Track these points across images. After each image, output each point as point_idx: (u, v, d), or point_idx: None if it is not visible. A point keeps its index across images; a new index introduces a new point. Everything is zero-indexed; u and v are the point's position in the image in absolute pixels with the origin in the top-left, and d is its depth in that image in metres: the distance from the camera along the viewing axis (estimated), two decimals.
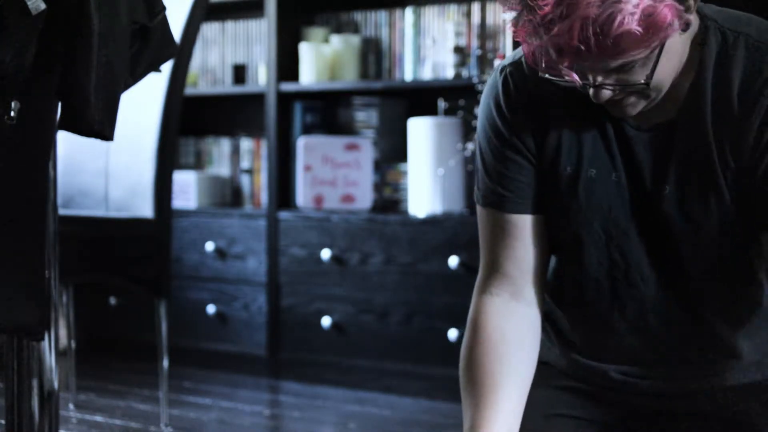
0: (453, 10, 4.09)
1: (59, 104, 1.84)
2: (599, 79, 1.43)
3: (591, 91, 1.45)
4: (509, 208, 1.58)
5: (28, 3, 1.72)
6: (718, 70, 1.50)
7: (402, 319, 3.83)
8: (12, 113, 1.79)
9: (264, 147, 4.38)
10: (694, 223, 1.51)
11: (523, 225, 1.59)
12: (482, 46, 4.00)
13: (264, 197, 4.34)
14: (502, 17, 3.91)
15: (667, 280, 1.55)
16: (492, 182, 1.59)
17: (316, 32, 4.31)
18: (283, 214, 4.13)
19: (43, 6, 1.74)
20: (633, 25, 1.36)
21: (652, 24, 1.37)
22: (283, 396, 3.94)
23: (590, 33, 1.36)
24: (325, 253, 3.98)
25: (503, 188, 1.58)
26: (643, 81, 1.44)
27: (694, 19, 1.47)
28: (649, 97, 1.48)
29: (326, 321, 3.98)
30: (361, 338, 3.93)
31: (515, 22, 1.44)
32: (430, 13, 4.15)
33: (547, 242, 1.61)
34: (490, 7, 4.02)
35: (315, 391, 3.87)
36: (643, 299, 1.56)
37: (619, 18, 1.35)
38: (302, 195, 4.13)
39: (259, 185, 4.44)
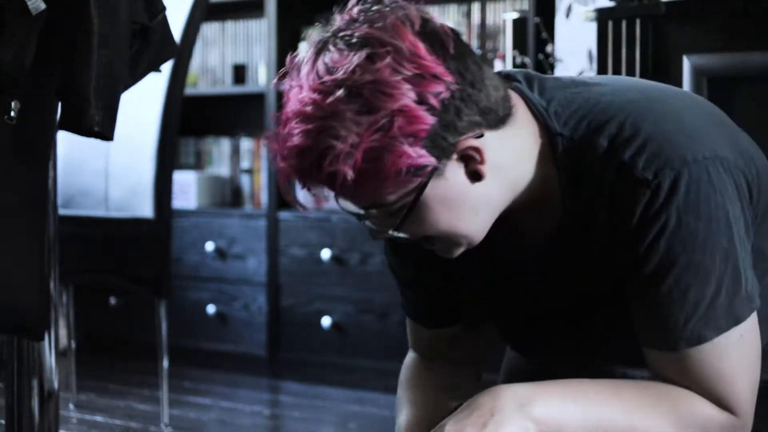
0: (453, 10, 4.09)
1: (59, 104, 1.84)
2: (356, 211, 1.33)
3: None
4: (420, 320, 1.61)
5: (28, 3, 1.72)
6: (573, 188, 1.37)
7: (402, 319, 3.82)
8: (12, 113, 1.78)
9: (264, 147, 4.38)
10: (588, 317, 1.46)
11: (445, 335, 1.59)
12: (482, 46, 4.00)
13: (264, 197, 4.34)
14: (502, 17, 3.91)
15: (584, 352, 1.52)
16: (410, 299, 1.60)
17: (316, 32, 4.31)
18: (283, 214, 4.13)
19: (43, 6, 1.74)
20: (345, 167, 1.24)
21: (375, 171, 1.25)
22: (283, 396, 3.94)
23: (305, 163, 1.27)
24: (325, 253, 3.98)
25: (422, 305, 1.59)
26: (389, 231, 1.32)
27: (535, 135, 1.36)
28: (458, 245, 1.37)
29: (326, 321, 3.98)
30: (361, 338, 3.92)
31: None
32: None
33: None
34: (490, 7, 4.02)
35: (315, 391, 3.87)
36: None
37: (331, 155, 1.24)
38: (302, 195, 4.12)
39: (259, 185, 4.44)
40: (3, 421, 2.09)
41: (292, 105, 1.27)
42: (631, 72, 2.76)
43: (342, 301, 3.97)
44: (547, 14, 3.62)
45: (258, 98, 4.36)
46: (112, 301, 4.45)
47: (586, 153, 1.35)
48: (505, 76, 1.42)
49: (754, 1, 2.67)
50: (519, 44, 3.65)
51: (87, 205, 3.22)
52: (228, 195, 4.53)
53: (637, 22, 2.75)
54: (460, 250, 1.38)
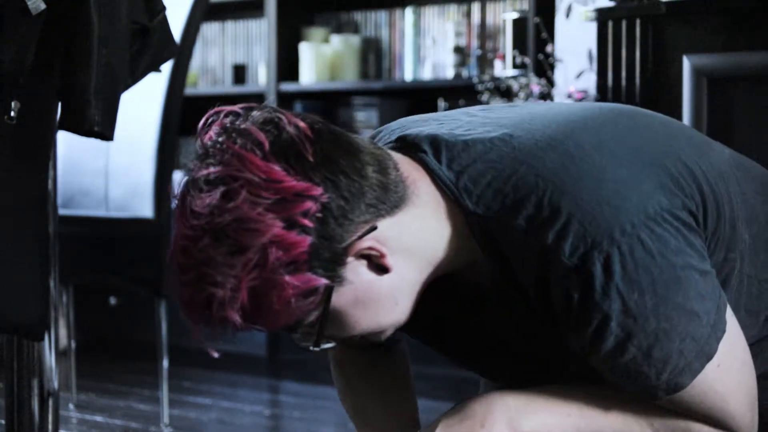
0: (453, 10, 4.09)
1: (59, 104, 1.84)
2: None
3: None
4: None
5: (28, 3, 1.72)
6: (499, 266, 1.30)
7: None
8: (12, 113, 1.78)
9: None
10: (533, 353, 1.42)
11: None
12: (482, 46, 4.00)
13: None
14: (502, 17, 3.91)
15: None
16: None
17: (316, 32, 4.31)
18: None
19: (43, 6, 1.74)
20: (232, 312, 1.19)
21: (265, 308, 1.21)
22: (283, 396, 3.94)
23: (196, 313, 1.21)
24: None
25: None
26: (311, 347, 1.29)
27: (441, 210, 1.28)
28: (384, 333, 1.32)
29: None
30: None
31: None
32: (430, 13, 4.14)
33: None
34: (490, 7, 4.02)
35: (315, 391, 3.87)
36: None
37: (216, 303, 1.19)
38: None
39: None
40: (3, 421, 2.09)
41: (172, 252, 1.22)
42: (631, 72, 2.76)
43: None
44: (547, 14, 3.62)
45: (258, 98, 4.36)
46: (112, 301, 4.45)
47: (506, 235, 1.28)
48: (409, 143, 1.33)
49: (754, 1, 2.67)
50: (519, 44, 3.65)
51: (87, 205, 3.22)
52: None
53: (637, 22, 2.75)
54: (389, 334, 1.34)
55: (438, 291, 1.36)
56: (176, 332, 4.00)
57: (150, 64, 2.02)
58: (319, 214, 1.19)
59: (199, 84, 4.63)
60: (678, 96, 2.72)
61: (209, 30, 4.62)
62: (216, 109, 1.25)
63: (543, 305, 1.29)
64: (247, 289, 1.18)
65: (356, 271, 1.24)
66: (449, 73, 4.04)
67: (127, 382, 3.96)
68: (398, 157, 1.30)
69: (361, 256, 1.24)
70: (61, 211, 2.20)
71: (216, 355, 1.33)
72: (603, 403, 1.35)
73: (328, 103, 4.33)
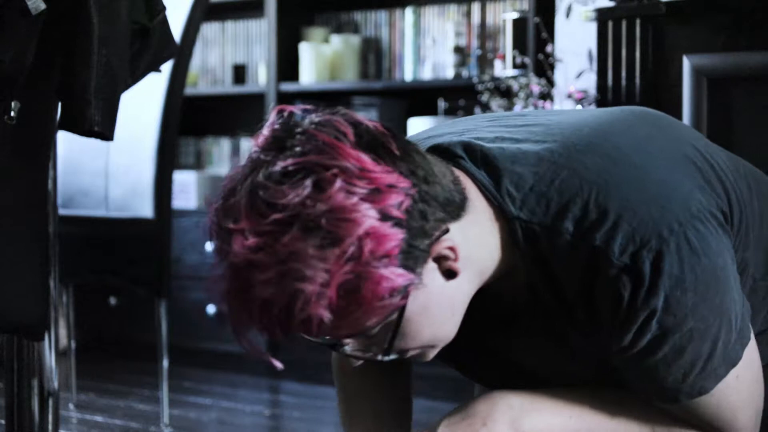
0: (453, 10, 4.09)
1: (59, 104, 1.84)
2: (329, 342, 1.21)
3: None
4: None
5: (28, 3, 1.72)
6: (541, 272, 1.28)
7: None
8: (12, 113, 1.78)
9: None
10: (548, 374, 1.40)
11: None
12: (482, 46, 4.00)
13: None
14: (502, 17, 3.91)
15: None
16: None
17: (316, 32, 4.31)
18: None
19: (43, 6, 1.74)
20: (320, 309, 1.11)
21: (354, 304, 1.12)
22: (283, 396, 3.93)
23: (272, 316, 1.12)
24: None
25: None
26: (379, 357, 1.22)
27: (491, 218, 1.26)
28: (435, 349, 1.27)
29: None
30: None
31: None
32: (430, 13, 4.14)
33: None
34: (490, 7, 4.02)
35: (315, 391, 3.87)
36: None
37: (301, 300, 1.10)
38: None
39: None
40: (3, 421, 2.10)
41: (238, 254, 1.12)
42: (631, 72, 2.76)
43: None
44: (547, 14, 3.62)
45: (258, 98, 4.36)
46: (112, 301, 4.45)
47: (552, 239, 1.26)
48: (444, 151, 1.30)
49: (754, 1, 2.67)
50: (519, 44, 3.65)
51: (87, 205, 3.22)
52: None
53: (637, 22, 2.75)
54: (437, 350, 1.29)
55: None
56: (176, 332, 4.01)
57: (150, 64, 2.02)
58: (409, 208, 1.15)
59: (199, 84, 4.63)
60: (678, 96, 2.71)
61: (209, 30, 4.63)
62: (277, 107, 1.21)
63: (584, 311, 1.28)
64: (338, 285, 1.11)
65: (431, 274, 1.20)
66: (449, 73, 4.04)
67: (127, 382, 3.96)
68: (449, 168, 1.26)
69: (437, 258, 1.20)
70: (61, 211, 2.20)
71: (280, 366, 1.26)
72: (606, 407, 1.35)
73: (328, 103, 4.30)
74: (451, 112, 3.94)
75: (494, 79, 3.48)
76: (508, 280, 1.31)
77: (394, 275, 1.13)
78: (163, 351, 3.13)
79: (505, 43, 3.77)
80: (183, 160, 4.64)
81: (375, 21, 4.30)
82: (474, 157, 1.30)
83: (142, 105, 3.03)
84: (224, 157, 4.56)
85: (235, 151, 4.52)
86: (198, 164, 4.64)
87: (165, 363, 3.14)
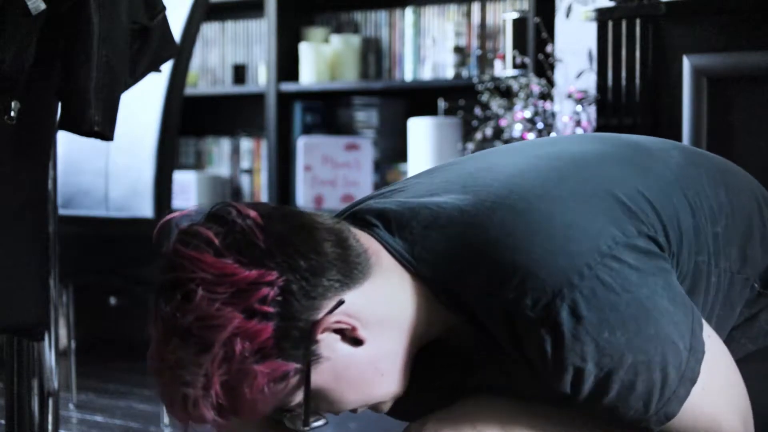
0: (453, 10, 4.09)
1: (59, 104, 1.84)
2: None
3: None
4: None
5: (28, 3, 1.72)
6: (475, 327, 1.32)
7: None
8: (12, 113, 1.78)
9: (264, 147, 4.38)
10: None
11: None
12: (482, 46, 4.00)
13: (264, 197, 4.34)
14: (502, 17, 3.91)
15: None
16: None
17: (316, 32, 4.31)
18: None
19: (43, 6, 1.74)
20: (206, 409, 1.21)
21: (239, 400, 1.22)
22: None
23: (177, 413, 1.24)
24: None
25: None
26: (301, 427, 1.29)
27: (405, 277, 1.30)
28: (384, 403, 1.35)
29: None
30: None
31: None
32: (430, 13, 4.14)
33: None
34: (490, 7, 4.02)
35: None
36: None
37: (190, 402, 1.21)
38: (302, 195, 4.13)
39: (259, 185, 4.44)
40: (3, 421, 2.09)
41: (149, 357, 1.26)
42: (631, 72, 2.76)
43: None
44: (547, 14, 3.62)
45: (258, 98, 4.36)
46: (112, 301, 4.45)
47: (469, 297, 1.30)
48: (360, 220, 1.36)
49: (754, 1, 2.67)
50: (519, 44, 3.65)
51: (87, 205, 3.22)
52: (228, 195, 4.53)
53: (637, 22, 2.75)
54: (389, 405, 1.36)
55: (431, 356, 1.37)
56: None
57: (150, 64, 2.02)
58: (279, 298, 1.21)
59: (199, 84, 4.63)
60: (678, 96, 2.72)
61: (209, 30, 4.62)
62: (166, 218, 1.33)
63: (521, 360, 1.30)
64: (219, 384, 1.20)
65: (331, 347, 1.26)
66: (449, 73, 4.04)
67: (127, 382, 3.96)
68: (356, 231, 1.32)
69: (333, 330, 1.25)
70: (61, 211, 2.20)
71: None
72: (587, 421, 1.35)
73: (328, 103, 4.33)
74: (451, 112, 3.94)
75: (494, 79, 3.48)
76: (456, 334, 1.35)
77: (271, 367, 1.21)
78: None
79: (505, 43, 3.77)
80: (183, 160, 4.64)
81: (375, 21, 4.30)
82: (388, 225, 1.34)
83: (142, 105, 3.03)
84: (224, 157, 4.56)
85: (235, 151, 4.52)
86: (198, 164, 4.64)
87: None
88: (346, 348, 1.27)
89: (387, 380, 1.31)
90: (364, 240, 1.31)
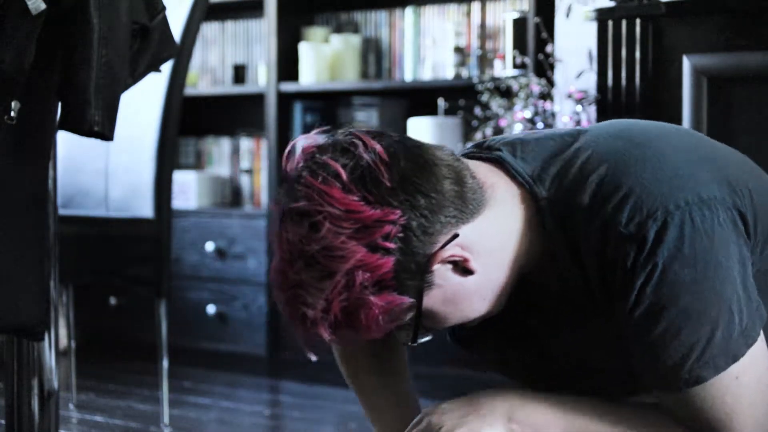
0: (453, 10, 4.09)
1: (59, 104, 1.84)
2: None
3: None
4: None
5: (28, 3, 1.72)
6: (567, 251, 1.40)
7: None
8: (12, 113, 1.78)
9: (264, 147, 4.38)
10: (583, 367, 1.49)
11: None
12: (482, 46, 4.00)
13: (264, 197, 4.34)
14: (502, 17, 3.91)
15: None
16: None
17: (316, 32, 4.31)
18: None
19: (43, 6, 1.74)
20: (323, 329, 1.31)
21: (355, 325, 1.32)
22: (283, 396, 3.94)
23: (297, 326, 1.34)
24: None
25: None
26: (408, 342, 1.39)
27: (517, 206, 1.39)
28: (477, 320, 1.42)
29: None
30: None
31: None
32: (430, 13, 4.14)
33: None
34: (490, 7, 4.02)
35: (315, 391, 3.87)
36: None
37: (307, 321, 1.32)
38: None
39: (259, 185, 4.44)
40: (3, 421, 2.10)
41: (273, 272, 1.35)
42: (631, 72, 2.76)
43: None
44: (547, 14, 3.62)
45: (258, 98, 4.36)
46: (112, 301, 4.45)
47: (573, 214, 1.38)
48: (487, 147, 1.45)
49: (754, 1, 2.67)
50: (519, 44, 3.65)
51: (87, 205, 3.22)
52: (228, 195, 4.53)
53: (637, 22, 2.75)
54: (477, 321, 1.44)
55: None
56: (176, 332, 4.01)
57: (150, 64, 2.02)
58: (400, 235, 1.30)
59: (199, 84, 4.63)
60: (678, 96, 2.72)
61: (209, 30, 4.62)
62: (299, 138, 1.37)
63: (600, 287, 1.37)
64: (338, 309, 1.30)
65: (444, 276, 1.34)
66: (449, 73, 4.04)
67: (127, 382, 3.96)
68: (475, 164, 1.40)
69: (447, 262, 1.34)
70: (61, 211, 2.20)
71: (314, 358, 1.39)
72: (603, 411, 1.39)
73: (328, 103, 4.33)
74: (451, 112, 3.94)
75: (494, 79, 3.49)
76: (541, 268, 1.42)
77: (387, 300, 1.30)
78: (163, 351, 3.13)
79: (505, 43, 3.77)
80: (183, 160, 4.64)
81: (375, 21, 4.30)
82: (513, 149, 1.43)
83: (142, 105, 3.03)
84: (224, 157, 4.56)
85: (235, 151, 4.52)
86: (198, 164, 4.64)
87: (165, 363, 3.13)
88: (456, 277, 1.35)
89: (486, 304, 1.40)
90: (482, 174, 1.39)
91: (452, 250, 1.33)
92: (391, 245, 1.29)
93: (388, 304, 1.30)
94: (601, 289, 1.38)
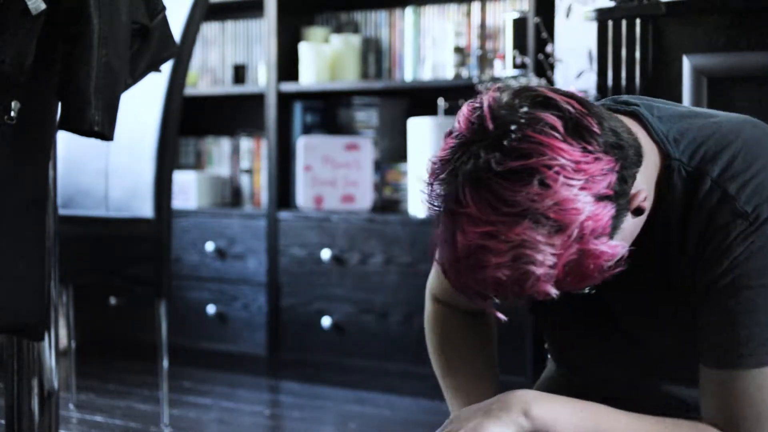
0: (453, 10, 4.09)
1: (59, 104, 1.84)
2: None
3: None
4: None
5: (28, 3, 1.73)
6: (680, 211, 1.43)
7: (402, 319, 3.83)
8: (12, 113, 1.79)
9: (264, 147, 4.38)
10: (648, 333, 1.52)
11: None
12: (482, 46, 4.00)
13: (264, 197, 4.34)
14: (502, 17, 3.91)
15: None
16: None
17: (316, 32, 4.31)
18: (283, 214, 4.13)
19: (43, 6, 1.74)
20: (547, 286, 1.29)
21: (579, 275, 1.31)
22: (283, 396, 3.94)
23: (504, 290, 1.30)
24: (325, 253, 3.98)
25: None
26: (586, 291, 1.39)
27: (654, 155, 1.42)
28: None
29: (326, 321, 3.98)
30: (361, 338, 3.93)
31: (435, 247, 1.35)
32: (430, 13, 4.14)
33: None
34: (490, 7, 4.02)
35: (315, 391, 3.87)
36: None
37: (531, 279, 1.29)
38: (302, 195, 4.13)
39: (259, 185, 4.44)
40: (3, 421, 2.10)
41: (469, 237, 1.28)
42: (631, 72, 2.76)
43: (342, 301, 3.97)
44: (547, 14, 3.62)
45: (258, 98, 4.36)
46: (112, 301, 4.45)
47: (698, 181, 1.40)
48: (624, 102, 1.47)
49: (754, 1, 2.67)
50: (519, 44, 3.65)
51: (87, 205, 3.22)
52: (228, 195, 4.53)
53: (637, 22, 2.75)
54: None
55: None
56: (176, 332, 4.01)
57: (150, 64, 2.02)
58: (617, 183, 1.30)
59: (199, 84, 4.63)
60: (678, 96, 2.71)
61: (209, 30, 4.62)
62: (485, 92, 1.34)
63: (692, 252, 1.40)
64: (564, 264, 1.28)
65: (628, 219, 1.36)
66: (449, 73, 4.04)
67: (127, 382, 3.97)
68: (618, 117, 1.40)
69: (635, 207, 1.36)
70: (61, 211, 2.20)
71: (504, 318, 1.39)
72: (620, 413, 1.41)
73: (328, 103, 4.33)
74: (451, 112, 3.94)
75: (494, 79, 3.48)
76: (645, 223, 1.42)
77: (610, 247, 1.30)
78: (163, 351, 3.13)
79: (505, 43, 3.77)
80: (183, 160, 4.64)
81: (375, 21, 4.30)
82: (650, 109, 1.46)
83: (142, 105, 3.03)
84: (224, 157, 4.56)
85: (235, 151, 4.52)
86: (198, 164, 4.64)
87: (165, 363, 3.14)
88: (630, 218, 1.35)
89: (627, 246, 1.38)
90: (630, 125, 1.40)
91: (642, 194, 1.35)
92: (611, 193, 1.30)
93: (611, 249, 1.30)
94: (689, 258, 1.41)
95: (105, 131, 1.84)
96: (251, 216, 4.24)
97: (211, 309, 4.26)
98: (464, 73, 4.00)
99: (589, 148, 1.29)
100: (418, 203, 3.91)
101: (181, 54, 3.03)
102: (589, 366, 1.61)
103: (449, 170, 1.31)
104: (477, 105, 1.33)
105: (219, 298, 4.26)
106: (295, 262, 4.08)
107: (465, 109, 1.34)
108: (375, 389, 3.82)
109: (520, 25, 3.68)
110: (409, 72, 4.17)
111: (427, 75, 4.12)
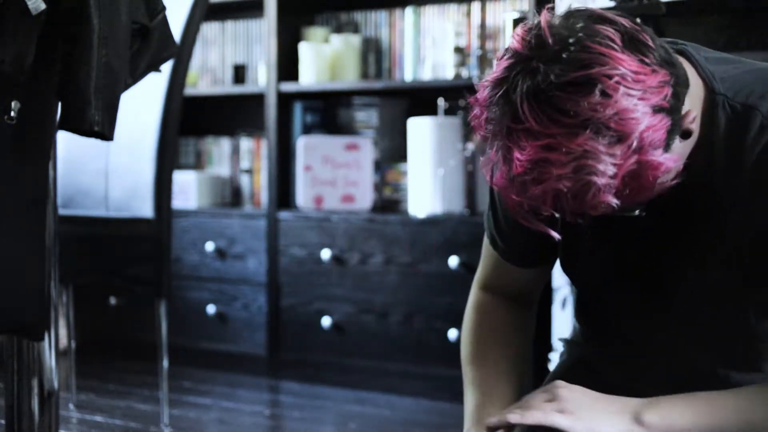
0: (453, 10, 4.09)
1: (59, 104, 1.84)
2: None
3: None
4: (513, 260, 1.65)
5: (28, 3, 1.73)
6: (726, 148, 1.44)
7: (402, 319, 3.83)
8: (12, 113, 1.78)
9: (264, 147, 4.38)
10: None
11: (525, 271, 1.66)
12: (482, 46, 4.00)
13: (264, 197, 4.34)
14: (502, 17, 3.91)
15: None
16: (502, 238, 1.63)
17: (316, 32, 4.31)
18: (283, 214, 4.13)
19: (43, 6, 1.74)
20: (608, 197, 1.30)
21: (637, 186, 1.32)
22: (283, 396, 3.94)
23: (564, 203, 1.31)
24: (325, 253, 3.98)
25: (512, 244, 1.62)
26: (636, 213, 1.41)
27: (699, 89, 1.43)
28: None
29: (326, 321, 3.98)
30: (361, 338, 3.93)
31: (491, 171, 1.35)
32: (430, 13, 4.15)
33: (544, 275, 1.70)
34: (490, 7, 4.02)
35: (315, 391, 3.87)
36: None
37: (593, 190, 1.29)
38: (302, 195, 4.13)
39: (259, 185, 4.44)
40: (3, 421, 2.10)
41: (529, 151, 1.29)
42: None
43: (342, 301, 3.97)
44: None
45: (258, 98, 4.36)
46: (112, 301, 4.45)
47: (747, 117, 1.41)
48: (670, 42, 1.47)
49: (754, 1, 2.67)
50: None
51: (87, 205, 3.22)
52: (228, 195, 4.53)
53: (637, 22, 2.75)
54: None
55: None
56: (176, 332, 4.01)
57: (150, 64, 2.02)
58: (672, 96, 1.32)
59: (199, 84, 4.63)
60: None
61: (209, 30, 4.63)
62: (528, 20, 1.37)
63: (749, 181, 1.41)
64: (624, 174, 1.28)
65: (677, 141, 1.36)
66: (449, 73, 4.04)
67: (127, 382, 3.97)
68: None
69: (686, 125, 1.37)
70: (61, 211, 2.20)
71: (558, 236, 1.37)
72: (721, 399, 1.44)
73: (328, 103, 4.33)
74: (451, 112, 3.94)
75: None
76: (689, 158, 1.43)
77: (667, 159, 1.31)
78: (163, 351, 3.13)
79: (505, 43, 3.77)
80: (183, 160, 4.64)
81: (375, 21, 4.30)
82: (696, 49, 1.47)
83: (142, 105, 3.03)
84: (224, 157, 4.57)
85: (235, 151, 4.52)
86: (198, 164, 4.64)
87: (165, 363, 3.14)
88: (678, 141, 1.36)
89: (675, 174, 1.39)
90: (674, 53, 1.40)
91: (691, 115, 1.36)
92: (668, 105, 1.31)
93: (667, 161, 1.31)
94: (741, 198, 1.41)
95: (105, 131, 1.84)
96: (251, 216, 4.24)
97: (211, 309, 4.26)
98: (464, 73, 4.00)
99: (646, 60, 1.30)
100: (418, 203, 3.91)
101: (181, 54, 3.03)
102: (638, 339, 1.59)
103: (503, 90, 1.31)
104: (532, 25, 1.37)
105: (219, 298, 4.26)
106: (295, 262, 4.08)
107: (519, 30, 1.38)
108: (375, 389, 3.82)
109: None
110: (409, 72, 4.17)
111: (427, 75, 4.12)
